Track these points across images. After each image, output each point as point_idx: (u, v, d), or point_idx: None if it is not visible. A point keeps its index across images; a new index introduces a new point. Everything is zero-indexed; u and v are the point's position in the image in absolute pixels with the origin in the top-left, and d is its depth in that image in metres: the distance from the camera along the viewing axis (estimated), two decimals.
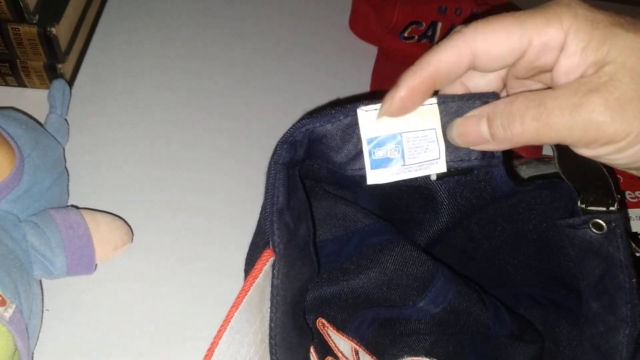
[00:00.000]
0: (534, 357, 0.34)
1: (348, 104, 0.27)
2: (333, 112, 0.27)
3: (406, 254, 0.32)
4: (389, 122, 0.26)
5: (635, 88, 0.22)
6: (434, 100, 0.26)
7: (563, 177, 0.29)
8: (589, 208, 0.29)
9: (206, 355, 0.24)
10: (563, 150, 0.27)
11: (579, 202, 0.29)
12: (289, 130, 0.27)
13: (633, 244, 0.28)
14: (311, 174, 0.33)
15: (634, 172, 0.26)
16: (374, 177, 0.27)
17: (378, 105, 0.26)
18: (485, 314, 0.33)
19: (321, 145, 0.28)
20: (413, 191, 0.33)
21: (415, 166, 0.27)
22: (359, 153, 0.27)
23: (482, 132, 0.25)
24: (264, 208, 0.28)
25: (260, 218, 0.29)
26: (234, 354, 0.25)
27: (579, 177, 0.28)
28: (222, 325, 0.25)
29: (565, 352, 0.33)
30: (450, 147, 0.27)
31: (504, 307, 0.34)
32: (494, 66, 0.25)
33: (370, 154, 0.26)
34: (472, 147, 0.26)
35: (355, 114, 0.26)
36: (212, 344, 0.24)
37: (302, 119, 0.27)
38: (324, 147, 0.28)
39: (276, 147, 0.27)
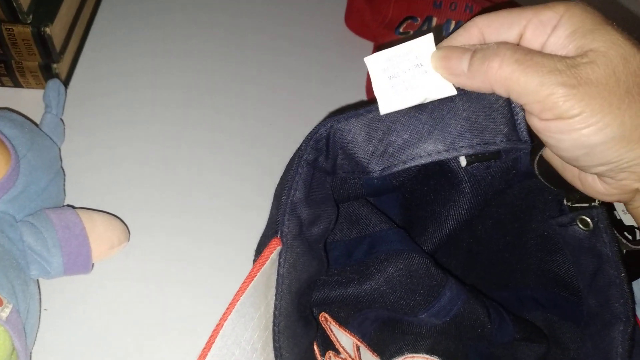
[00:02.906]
0: (538, 358, 0.34)
1: (371, 104, 0.27)
2: (356, 109, 0.27)
3: (413, 267, 0.32)
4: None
5: (606, 77, 0.23)
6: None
7: (542, 179, 0.29)
8: (574, 205, 0.29)
9: (211, 337, 0.25)
10: (541, 160, 0.28)
11: (565, 200, 0.29)
12: (314, 128, 0.28)
13: (624, 240, 0.28)
14: (347, 194, 0.33)
15: (575, 164, 0.26)
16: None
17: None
18: (489, 326, 0.33)
19: (348, 145, 0.27)
20: (441, 180, 0.33)
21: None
22: (386, 148, 0.27)
23: (462, 63, 0.26)
24: (278, 199, 0.28)
25: (272, 209, 0.30)
26: (237, 337, 0.26)
27: (559, 177, 0.28)
28: (228, 308, 0.25)
29: (570, 354, 0.33)
30: (475, 131, 0.26)
31: (510, 316, 0.34)
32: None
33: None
34: (445, 74, 0.26)
35: (378, 110, 0.27)
36: (217, 325, 0.25)
37: (326, 118, 0.28)
38: (351, 146, 0.27)
39: (301, 144, 0.28)
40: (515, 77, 0.24)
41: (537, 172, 0.29)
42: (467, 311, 0.33)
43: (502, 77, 0.24)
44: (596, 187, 0.27)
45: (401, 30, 0.57)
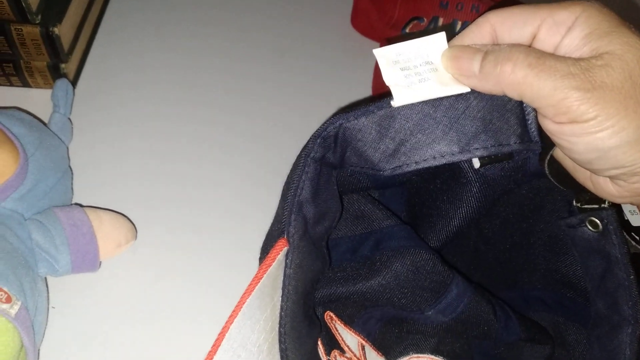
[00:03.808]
0: (544, 359, 0.34)
1: (381, 99, 0.27)
2: (366, 106, 0.27)
3: (420, 263, 0.32)
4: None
5: (622, 80, 0.23)
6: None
7: (553, 180, 0.29)
8: (584, 207, 0.29)
9: (217, 339, 0.25)
10: (552, 159, 0.28)
11: (574, 201, 0.29)
12: (322, 125, 0.27)
13: (633, 242, 0.28)
14: (352, 186, 0.33)
15: (588, 167, 0.26)
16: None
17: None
18: (494, 324, 0.33)
19: (358, 143, 0.27)
20: (449, 179, 0.33)
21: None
22: (398, 147, 0.26)
23: (474, 64, 0.25)
24: (284, 198, 0.28)
25: (278, 208, 0.29)
26: (244, 340, 0.25)
27: (570, 178, 0.28)
28: (234, 311, 0.25)
29: (576, 356, 0.33)
30: (490, 132, 0.26)
31: (515, 315, 0.34)
32: (511, 41, 0.26)
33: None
34: (456, 75, 0.26)
35: (390, 106, 0.26)
36: (223, 328, 0.25)
37: (334, 115, 0.27)
38: (361, 144, 0.27)
39: (308, 142, 0.27)
40: (528, 82, 0.23)
41: (547, 172, 0.29)
42: (474, 308, 0.32)
43: (514, 81, 0.24)
44: (608, 189, 0.26)
45: (407, 30, 0.57)
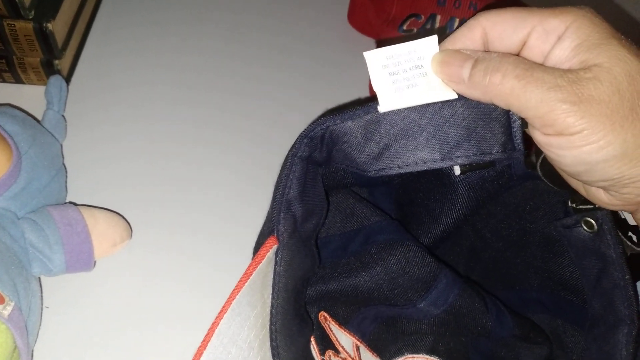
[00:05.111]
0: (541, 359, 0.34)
1: (368, 103, 0.27)
2: (353, 109, 0.27)
3: (409, 255, 0.32)
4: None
5: (609, 94, 0.23)
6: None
7: (546, 180, 0.29)
8: (579, 207, 0.29)
9: (207, 335, 0.25)
10: (544, 161, 0.28)
11: (569, 202, 0.29)
12: (309, 125, 0.28)
13: (628, 242, 0.28)
14: (336, 182, 0.34)
15: (578, 178, 0.26)
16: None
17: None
18: (487, 317, 0.33)
19: (344, 145, 0.28)
20: (433, 180, 0.33)
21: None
22: (382, 151, 0.27)
23: (463, 72, 0.25)
24: (274, 197, 0.28)
25: (269, 208, 0.30)
26: (234, 336, 0.26)
27: (563, 179, 0.28)
28: (223, 307, 0.25)
29: (573, 357, 0.33)
30: (473, 141, 0.26)
31: (508, 310, 0.34)
32: (501, 46, 0.26)
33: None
34: (445, 80, 0.26)
35: (376, 111, 0.27)
36: (213, 324, 0.25)
37: (322, 115, 0.28)
38: (347, 146, 0.28)
39: (295, 141, 0.28)
40: (515, 94, 0.23)
41: (540, 174, 0.29)
42: (465, 299, 0.33)
43: (502, 92, 0.24)
44: (600, 197, 0.26)
45: (405, 27, 0.57)
